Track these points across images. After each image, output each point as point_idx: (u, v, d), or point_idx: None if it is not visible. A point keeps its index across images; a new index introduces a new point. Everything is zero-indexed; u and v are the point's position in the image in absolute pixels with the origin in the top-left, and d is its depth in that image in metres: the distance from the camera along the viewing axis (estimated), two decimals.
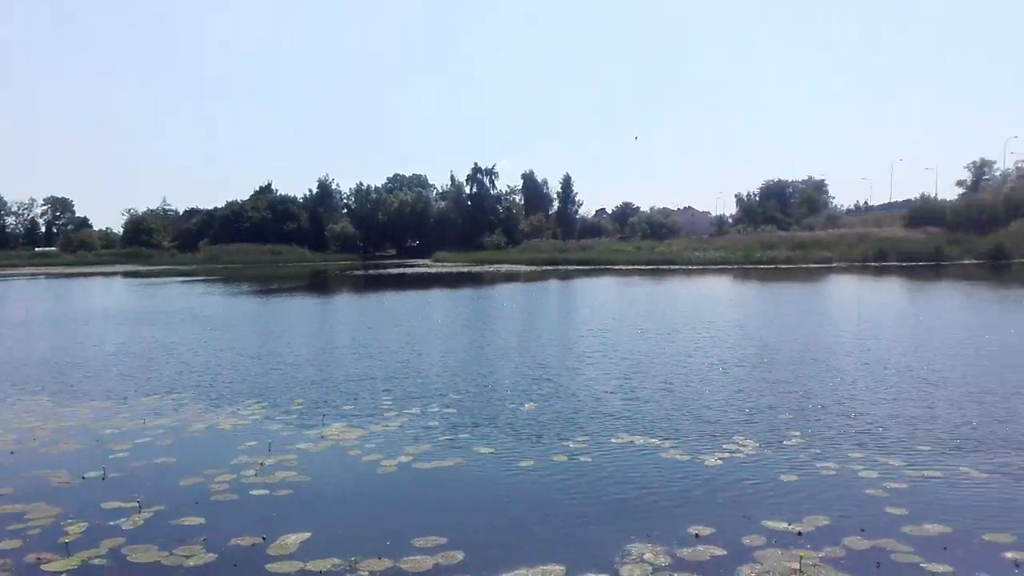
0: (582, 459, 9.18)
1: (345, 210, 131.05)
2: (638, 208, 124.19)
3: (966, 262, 56.93)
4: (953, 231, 66.62)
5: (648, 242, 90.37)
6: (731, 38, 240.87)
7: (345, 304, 37.02)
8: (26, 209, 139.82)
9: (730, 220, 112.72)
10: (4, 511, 7.68)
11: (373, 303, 36.25)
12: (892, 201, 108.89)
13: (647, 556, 6.35)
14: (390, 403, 12.56)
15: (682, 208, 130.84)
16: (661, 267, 63.79)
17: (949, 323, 22.43)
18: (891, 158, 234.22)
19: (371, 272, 70.01)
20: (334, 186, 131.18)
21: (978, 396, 12.11)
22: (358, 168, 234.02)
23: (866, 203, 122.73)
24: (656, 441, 9.91)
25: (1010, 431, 9.98)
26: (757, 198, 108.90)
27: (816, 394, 12.57)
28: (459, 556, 6.42)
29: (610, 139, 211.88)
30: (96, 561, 6.49)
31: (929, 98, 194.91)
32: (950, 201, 78.90)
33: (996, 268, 50.74)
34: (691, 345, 18.43)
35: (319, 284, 55.31)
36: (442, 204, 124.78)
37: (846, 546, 6.46)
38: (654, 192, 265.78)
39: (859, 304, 30.51)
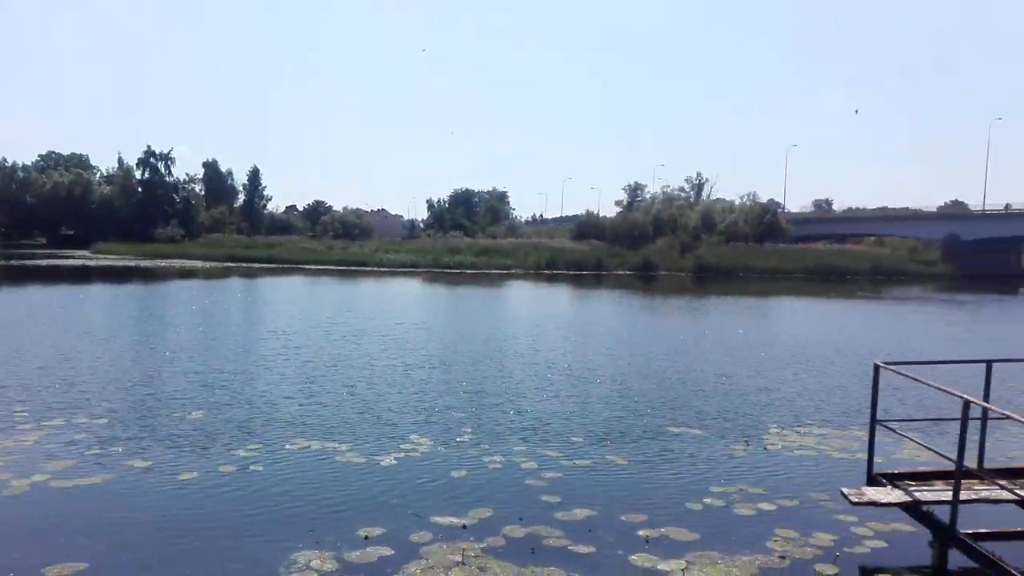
0: (252, 468, 8.74)
1: None
2: (331, 207, 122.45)
3: (621, 272, 64.55)
4: (612, 244, 75.34)
5: (340, 242, 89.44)
6: (434, 47, 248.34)
7: None
8: None
9: (421, 224, 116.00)
10: None
11: (18, 299, 31.28)
12: (564, 215, 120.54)
13: (314, 563, 6.20)
14: (26, 415, 10.89)
15: (376, 210, 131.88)
16: (353, 268, 63.54)
17: (605, 327, 25.25)
18: (564, 176, 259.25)
19: (14, 263, 60.32)
20: None
21: (626, 392, 13.75)
22: (6, 142, 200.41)
23: (542, 215, 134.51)
24: (333, 445, 9.77)
25: (648, 423, 11.45)
26: (447, 204, 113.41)
27: (488, 393, 13.33)
28: None
29: (306, 134, 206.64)
30: None
31: (595, 122, 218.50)
32: (610, 218, 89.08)
33: (645, 279, 58.29)
34: (377, 347, 18.54)
35: None
36: (107, 189, 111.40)
37: (505, 535, 6.90)
38: (348, 192, 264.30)
39: (532, 308, 33.12)
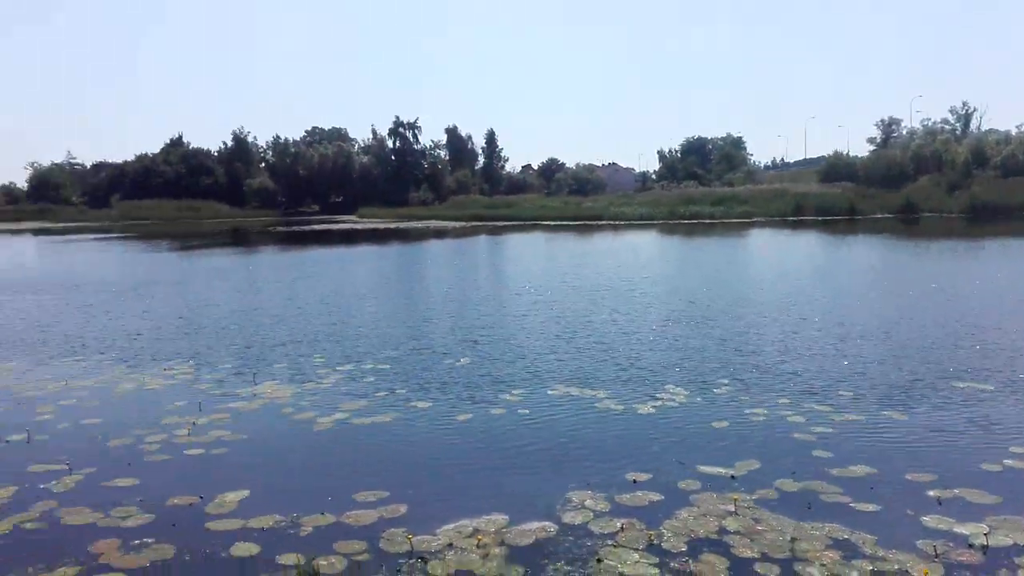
0: (519, 411, 9.29)
1: (263, 164, 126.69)
2: (563, 164, 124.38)
3: (878, 216, 59.27)
4: (865, 186, 69.11)
5: (574, 198, 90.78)
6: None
7: (269, 261, 36.11)
8: None
9: (653, 176, 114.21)
10: None
11: (299, 260, 35.48)
12: (807, 158, 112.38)
13: (588, 503, 6.50)
14: (322, 361, 12.40)
15: (606, 164, 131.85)
16: (589, 222, 64.33)
17: (868, 276, 23.42)
18: (805, 116, 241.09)
19: (295, 228, 68.34)
20: (250, 139, 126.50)
21: (899, 345, 12.73)
22: (274, 121, 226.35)
23: (782, 160, 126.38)
24: (591, 392, 10.09)
25: (927, 377, 10.53)
26: (678, 154, 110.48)
27: (742, 344, 12.98)
28: (402, 509, 6.44)
29: (535, 94, 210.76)
30: (28, 525, 6.26)
31: (839, 58, 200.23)
32: (862, 157, 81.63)
33: (907, 222, 53.04)
34: (624, 299, 18.74)
35: (241, 240, 53.72)
36: (364, 159, 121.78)
37: (778, 488, 6.75)
38: (579, 148, 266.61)
39: (779, 257, 31.50)
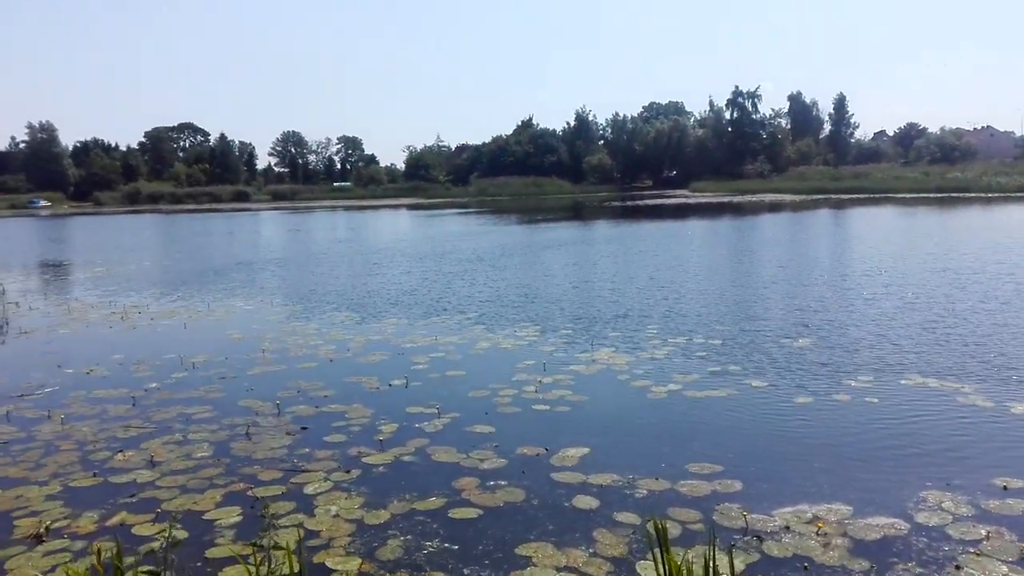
0: (867, 399, 8.66)
1: (601, 141, 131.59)
2: (925, 129, 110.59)
3: None
4: None
5: (937, 167, 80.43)
6: None
7: (605, 234, 37.52)
8: (323, 148, 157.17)
9: None
10: (330, 410, 8.96)
11: (632, 233, 36.35)
12: None
13: (946, 504, 5.91)
14: (655, 331, 12.68)
15: (979, 128, 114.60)
16: (953, 195, 56.68)
17: None
18: None
19: (628, 204, 69.99)
20: (591, 118, 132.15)
21: None
22: (615, 98, 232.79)
23: None
24: (953, 385, 9.05)
25: None
26: None
27: None
28: (736, 485, 6.41)
29: (892, 51, 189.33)
30: (406, 458, 7.38)
31: None
32: None
33: None
34: (996, 286, 16.36)
35: (579, 215, 56.49)
36: (699, 132, 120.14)
37: None
38: (945, 111, 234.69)
39: None
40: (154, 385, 10.32)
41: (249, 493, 6.57)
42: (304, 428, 8.33)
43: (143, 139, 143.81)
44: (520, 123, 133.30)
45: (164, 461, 7.43)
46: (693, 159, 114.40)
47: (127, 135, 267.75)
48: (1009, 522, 5.59)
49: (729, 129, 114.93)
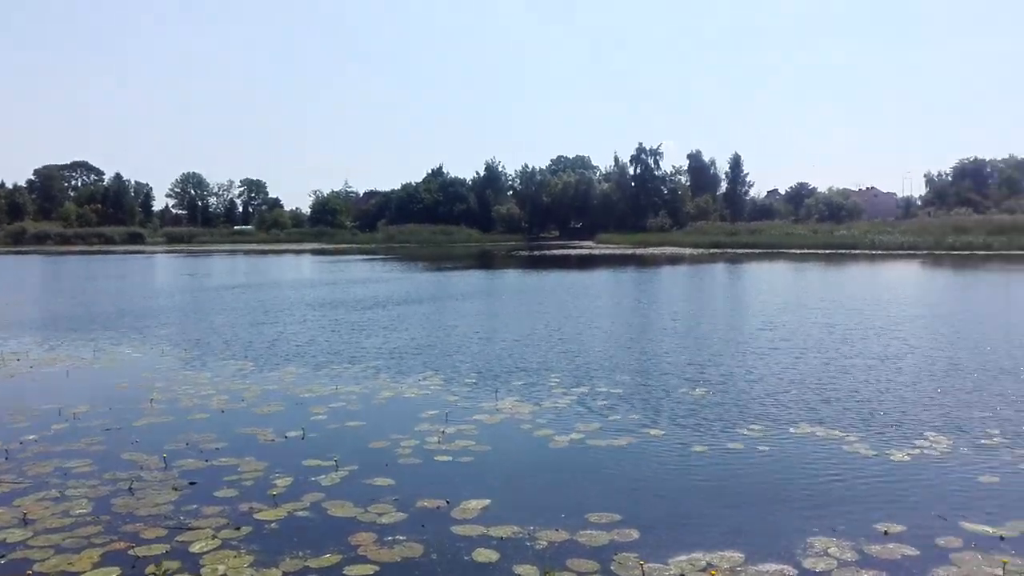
0: (759, 448, 8.95)
1: (511, 192, 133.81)
2: (814, 189, 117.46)
3: None
4: None
5: (825, 225, 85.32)
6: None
7: (512, 283, 37.85)
8: (225, 190, 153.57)
9: (919, 202, 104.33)
10: (220, 464, 8.57)
11: (538, 283, 36.80)
12: None
13: (831, 550, 6.12)
14: (557, 380, 12.80)
15: (864, 189, 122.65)
16: (840, 251, 60.10)
17: None
18: None
19: (535, 253, 71.01)
20: (500, 168, 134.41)
21: None
22: (523, 151, 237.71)
23: None
24: (839, 433, 9.47)
25: None
26: (949, 178, 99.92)
27: (1015, 393, 11.48)
28: (634, 534, 6.47)
29: (782, 118, 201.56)
30: (301, 513, 7.11)
31: None
32: None
33: None
34: (878, 338, 17.33)
35: (487, 263, 56.86)
36: (605, 186, 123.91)
37: None
38: (832, 172, 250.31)
39: None
40: (31, 437, 9.65)
41: (130, 552, 6.18)
42: (192, 483, 7.93)
43: (32, 177, 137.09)
44: (430, 171, 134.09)
45: (38, 519, 6.92)
46: (599, 211, 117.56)
47: (14, 172, 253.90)
48: (890, 567, 5.84)
49: (632, 184, 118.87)
